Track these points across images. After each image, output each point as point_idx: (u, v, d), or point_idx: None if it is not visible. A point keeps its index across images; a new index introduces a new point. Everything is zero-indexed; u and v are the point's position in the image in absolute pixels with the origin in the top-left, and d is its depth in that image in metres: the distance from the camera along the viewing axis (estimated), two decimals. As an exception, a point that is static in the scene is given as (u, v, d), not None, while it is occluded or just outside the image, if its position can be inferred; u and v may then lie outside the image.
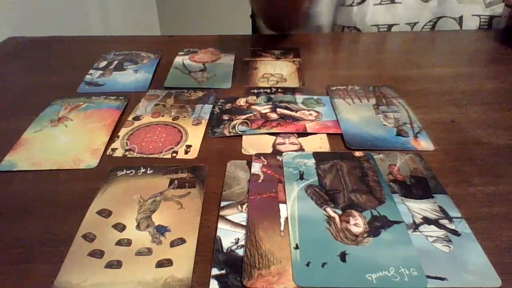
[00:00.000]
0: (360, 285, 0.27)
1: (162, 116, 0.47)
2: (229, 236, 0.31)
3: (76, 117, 0.47)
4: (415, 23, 0.73)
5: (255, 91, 0.53)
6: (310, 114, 0.47)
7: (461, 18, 0.72)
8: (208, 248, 0.30)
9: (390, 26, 0.74)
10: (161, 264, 0.29)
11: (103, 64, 0.61)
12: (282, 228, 0.31)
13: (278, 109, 0.48)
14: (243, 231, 0.31)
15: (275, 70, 0.58)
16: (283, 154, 0.40)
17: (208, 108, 0.49)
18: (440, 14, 0.72)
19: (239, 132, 0.44)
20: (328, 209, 0.33)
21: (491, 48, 0.66)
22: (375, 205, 0.33)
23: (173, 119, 0.47)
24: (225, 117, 0.47)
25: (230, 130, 0.44)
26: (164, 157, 0.41)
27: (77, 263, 0.29)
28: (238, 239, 0.31)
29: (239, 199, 0.35)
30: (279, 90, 0.53)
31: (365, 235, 0.31)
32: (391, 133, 0.43)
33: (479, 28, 0.73)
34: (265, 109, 0.48)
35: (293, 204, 0.34)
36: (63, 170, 0.39)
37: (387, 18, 0.73)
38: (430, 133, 0.43)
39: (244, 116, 0.47)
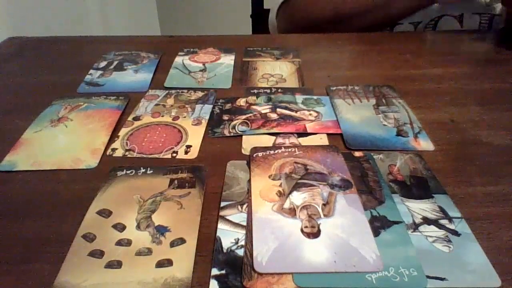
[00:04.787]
0: (359, 285, 0.27)
1: (162, 116, 0.47)
2: (229, 236, 0.31)
3: (76, 117, 0.47)
4: (418, 22, 0.73)
5: (255, 91, 0.53)
6: (310, 114, 0.47)
7: (461, 16, 0.73)
8: (208, 248, 0.30)
9: (393, 25, 0.74)
10: (161, 264, 0.29)
11: (103, 64, 0.61)
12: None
13: (278, 109, 0.48)
14: (243, 231, 0.31)
15: (274, 70, 0.58)
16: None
17: (208, 108, 0.49)
18: (441, 12, 0.72)
19: (239, 132, 0.44)
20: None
21: (490, 48, 0.66)
22: (374, 205, 0.33)
23: (173, 119, 0.47)
24: (225, 117, 0.47)
25: (230, 130, 0.44)
26: (164, 157, 0.41)
27: (77, 263, 0.29)
28: (238, 239, 0.31)
29: (239, 199, 0.35)
30: (279, 90, 0.53)
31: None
32: (391, 133, 0.43)
33: (479, 26, 0.73)
34: (265, 109, 0.48)
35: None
36: (63, 170, 0.39)
37: None
38: (430, 133, 0.43)
39: (244, 116, 0.47)
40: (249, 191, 0.35)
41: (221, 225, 0.32)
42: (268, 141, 0.43)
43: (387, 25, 0.74)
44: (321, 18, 0.74)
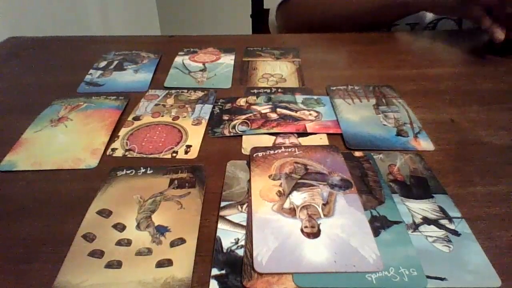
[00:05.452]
0: (359, 285, 0.27)
1: (162, 116, 0.47)
2: (229, 236, 0.31)
3: (76, 117, 0.47)
4: (415, 24, 0.73)
5: (255, 91, 0.53)
6: (310, 114, 0.47)
7: (460, 19, 0.73)
8: (208, 248, 0.30)
9: (389, 26, 0.74)
10: (161, 264, 0.29)
11: (103, 64, 0.61)
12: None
13: (278, 109, 0.48)
14: (243, 231, 0.31)
15: (274, 70, 0.58)
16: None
17: (208, 108, 0.49)
18: (440, 16, 0.72)
19: (239, 132, 0.44)
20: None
21: (490, 48, 0.66)
22: (374, 205, 0.33)
23: (173, 119, 0.47)
24: (225, 117, 0.47)
25: (230, 130, 0.44)
26: (164, 157, 0.41)
27: (77, 263, 0.29)
28: (238, 239, 0.31)
29: (239, 199, 0.35)
30: (279, 90, 0.53)
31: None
32: (391, 133, 0.43)
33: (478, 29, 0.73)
34: (265, 109, 0.48)
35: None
36: (63, 170, 0.39)
37: None
38: (430, 133, 0.43)
39: (244, 116, 0.47)
40: (249, 191, 0.35)
41: (221, 225, 0.32)
42: (268, 141, 0.43)
43: (381, 27, 0.74)
44: (315, 19, 0.74)
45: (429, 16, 0.73)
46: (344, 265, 0.28)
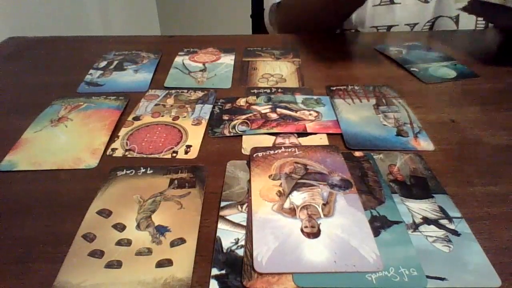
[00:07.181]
0: (359, 285, 0.27)
1: (162, 116, 0.47)
2: (229, 236, 0.31)
3: (76, 117, 0.47)
4: (414, 24, 0.73)
5: (255, 91, 0.53)
6: (310, 114, 0.47)
7: (457, 17, 0.73)
8: (208, 248, 0.30)
9: (389, 28, 0.74)
10: (161, 264, 0.29)
11: (103, 64, 0.61)
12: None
13: (278, 109, 0.48)
14: (243, 231, 0.31)
15: (274, 70, 0.58)
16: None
17: (208, 108, 0.49)
18: (438, 14, 0.73)
19: (239, 132, 0.44)
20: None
21: (490, 48, 0.66)
22: (374, 205, 0.33)
23: (173, 119, 0.47)
24: (225, 117, 0.47)
25: (230, 130, 0.44)
26: (164, 157, 0.41)
27: (77, 263, 0.29)
28: (238, 239, 0.31)
29: (239, 199, 0.35)
30: (279, 90, 0.53)
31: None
32: (391, 133, 0.43)
33: (476, 26, 0.73)
34: (265, 109, 0.48)
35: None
36: (63, 170, 0.39)
37: (386, 20, 0.73)
38: (430, 133, 0.43)
39: (244, 116, 0.47)
40: (249, 191, 0.35)
41: (221, 225, 0.32)
42: (268, 141, 0.43)
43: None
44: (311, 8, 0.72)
45: (428, 15, 0.73)
46: (344, 265, 0.28)
